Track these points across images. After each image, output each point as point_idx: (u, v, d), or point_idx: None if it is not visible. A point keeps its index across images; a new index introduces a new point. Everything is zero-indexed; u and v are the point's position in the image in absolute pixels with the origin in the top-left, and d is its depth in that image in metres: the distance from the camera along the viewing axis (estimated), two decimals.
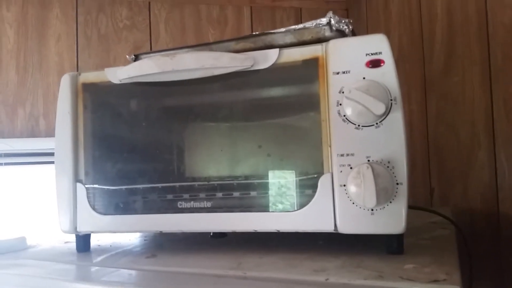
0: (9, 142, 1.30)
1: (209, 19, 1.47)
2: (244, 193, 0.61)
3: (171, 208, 0.63)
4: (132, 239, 0.77)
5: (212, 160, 0.67)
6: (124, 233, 0.80)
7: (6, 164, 1.31)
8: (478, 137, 0.95)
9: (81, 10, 1.39)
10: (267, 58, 0.58)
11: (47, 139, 1.32)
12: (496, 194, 0.91)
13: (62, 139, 0.67)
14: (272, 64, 0.58)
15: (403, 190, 0.52)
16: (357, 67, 0.54)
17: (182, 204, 0.62)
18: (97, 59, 1.39)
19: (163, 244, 0.74)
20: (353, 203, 0.53)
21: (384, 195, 0.51)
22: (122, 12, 1.41)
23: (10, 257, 0.69)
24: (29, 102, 1.34)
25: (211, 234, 0.72)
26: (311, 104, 0.57)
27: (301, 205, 0.56)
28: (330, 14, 0.57)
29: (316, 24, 0.58)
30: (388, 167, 0.52)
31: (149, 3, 1.44)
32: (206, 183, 0.63)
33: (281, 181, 0.59)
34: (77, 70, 1.35)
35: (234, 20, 1.49)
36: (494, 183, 0.91)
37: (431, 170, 1.08)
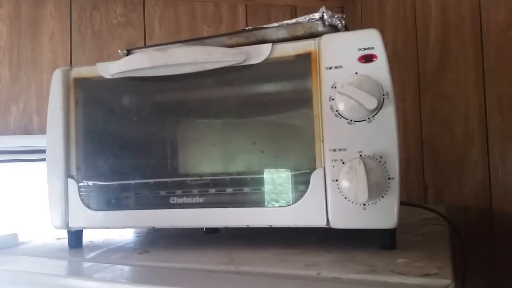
0: (2, 139, 1.29)
1: (204, 17, 1.47)
2: (237, 189, 0.61)
3: (164, 203, 0.63)
4: (124, 235, 0.77)
5: (204, 156, 0.66)
6: (116, 230, 0.80)
7: None
8: (472, 135, 0.95)
9: (75, 7, 1.38)
10: (260, 53, 0.58)
11: (40, 136, 1.31)
12: (490, 191, 0.91)
13: (53, 134, 0.66)
14: (265, 59, 0.58)
15: (395, 184, 0.52)
16: (349, 62, 0.54)
17: (174, 200, 0.62)
18: (91, 56, 1.38)
19: (156, 240, 0.74)
20: (345, 198, 0.53)
21: (376, 190, 0.51)
22: (116, 9, 1.41)
23: (1, 253, 0.68)
24: (22, 99, 1.33)
25: (204, 230, 0.72)
26: (303, 99, 0.57)
27: (294, 201, 0.56)
28: (323, 9, 0.57)
29: (309, 19, 0.58)
30: (380, 162, 0.52)
31: (144, 0, 1.43)
32: (198, 178, 0.63)
33: (274, 177, 0.59)
34: None
35: (229, 18, 1.48)
36: (488, 180, 0.91)
37: (425, 168, 1.08)
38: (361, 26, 1.39)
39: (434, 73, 1.05)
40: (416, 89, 1.11)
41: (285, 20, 0.61)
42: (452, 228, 0.74)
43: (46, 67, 1.35)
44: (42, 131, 1.32)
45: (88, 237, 0.73)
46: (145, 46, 0.67)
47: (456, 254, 0.60)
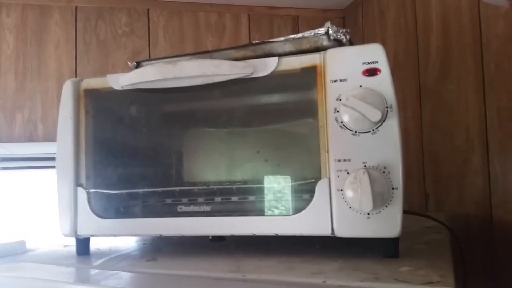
0: (7, 147, 1.30)
1: (208, 27, 1.49)
2: (242, 198, 0.62)
3: (171, 212, 0.64)
4: (131, 243, 0.78)
5: (211, 165, 0.68)
6: (123, 238, 0.81)
7: (4, 168, 1.31)
8: (472, 144, 0.97)
9: (80, 16, 1.40)
10: (267, 66, 0.60)
11: (45, 143, 1.32)
12: (490, 200, 0.92)
13: (63, 144, 0.67)
14: (271, 72, 0.60)
15: (399, 194, 0.53)
16: (354, 76, 0.56)
17: (181, 208, 0.63)
18: (96, 65, 1.40)
19: (162, 248, 0.75)
20: (350, 207, 0.54)
21: (380, 200, 0.52)
22: (121, 18, 1.43)
23: (9, 261, 0.69)
24: (27, 107, 1.35)
25: (210, 238, 0.73)
26: (309, 110, 0.59)
27: (299, 210, 0.57)
28: (328, 24, 0.59)
29: (314, 33, 0.60)
30: (384, 172, 0.53)
31: (148, 10, 1.45)
32: (205, 187, 0.65)
33: (279, 186, 0.60)
34: (76, 76, 1.36)
35: (232, 28, 1.50)
36: (488, 189, 0.93)
37: (426, 176, 1.10)
38: (362, 36, 1.41)
39: (435, 83, 1.07)
40: (417, 99, 1.12)
41: (287, 30, 0.62)
42: (453, 236, 0.75)
43: (51, 76, 1.37)
44: (46, 138, 1.33)
45: (94, 244, 0.75)
46: (154, 58, 0.69)
47: (456, 261, 0.61)
